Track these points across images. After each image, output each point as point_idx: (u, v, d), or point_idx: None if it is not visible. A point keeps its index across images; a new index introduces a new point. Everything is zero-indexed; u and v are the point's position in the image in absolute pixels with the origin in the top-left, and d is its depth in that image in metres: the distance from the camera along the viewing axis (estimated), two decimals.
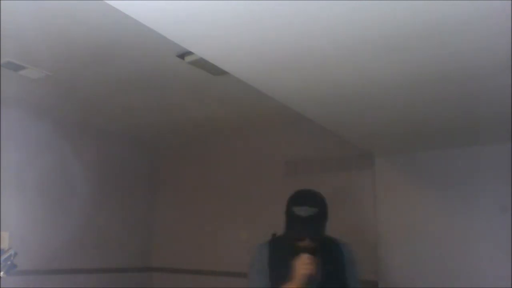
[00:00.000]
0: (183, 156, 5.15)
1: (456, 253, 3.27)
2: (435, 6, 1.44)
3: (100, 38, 2.61)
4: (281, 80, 2.17)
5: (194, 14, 1.51)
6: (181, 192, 4.99)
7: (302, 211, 2.08)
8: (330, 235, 2.31)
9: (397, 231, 3.56)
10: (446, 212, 3.38)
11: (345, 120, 2.84)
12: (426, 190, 3.51)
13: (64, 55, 2.86)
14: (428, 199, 3.48)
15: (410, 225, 3.51)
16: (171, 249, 4.90)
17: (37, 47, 2.75)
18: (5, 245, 3.49)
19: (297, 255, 2.06)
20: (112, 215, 4.61)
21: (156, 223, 5.10)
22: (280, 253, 2.22)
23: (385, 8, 1.46)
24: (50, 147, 4.14)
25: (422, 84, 2.15)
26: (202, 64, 2.86)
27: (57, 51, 2.81)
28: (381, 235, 3.63)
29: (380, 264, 3.60)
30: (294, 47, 1.78)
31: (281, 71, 2.04)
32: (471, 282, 3.12)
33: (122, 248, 4.68)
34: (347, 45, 1.76)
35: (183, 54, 2.79)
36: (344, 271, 2.18)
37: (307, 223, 2.07)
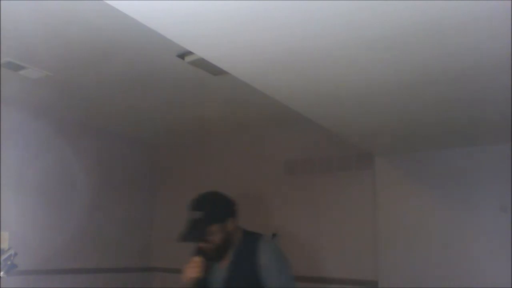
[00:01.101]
0: (183, 156, 5.15)
1: (456, 253, 3.27)
2: (435, 6, 1.44)
3: (100, 38, 2.61)
4: (281, 80, 2.17)
5: (194, 14, 1.51)
6: (180, 192, 4.99)
7: (190, 215, 2.14)
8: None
9: (397, 231, 3.56)
10: (446, 212, 3.38)
11: (345, 120, 2.84)
12: (426, 190, 3.51)
13: (64, 55, 2.86)
14: (428, 199, 3.48)
15: (410, 225, 3.51)
16: (171, 249, 4.90)
17: (37, 47, 2.75)
18: (5, 245, 3.48)
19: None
20: (112, 215, 4.61)
21: (156, 223, 5.10)
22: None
23: (385, 8, 1.46)
24: (50, 147, 4.14)
25: (422, 84, 2.15)
26: (202, 64, 2.86)
27: (57, 51, 2.81)
28: (381, 235, 3.63)
29: (380, 264, 3.60)
30: (294, 47, 1.78)
31: (281, 71, 2.04)
32: (471, 282, 3.12)
33: (122, 248, 4.68)
34: (347, 45, 1.76)
35: (183, 54, 2.79)
36: (257, 271, 2.07)
37: (191, 226, 2.10)
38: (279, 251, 2.15)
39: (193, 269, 2.05)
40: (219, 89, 3.39)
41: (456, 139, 3.19)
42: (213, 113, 4.04)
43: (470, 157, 3.32)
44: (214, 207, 2.16)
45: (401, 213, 3.57)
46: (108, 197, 4.62)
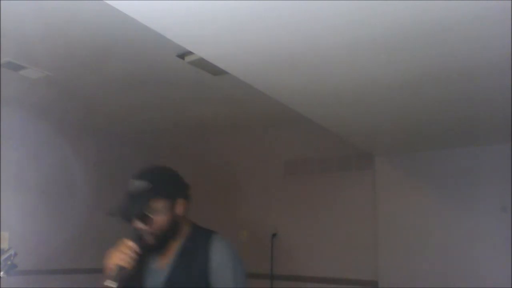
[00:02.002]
0: (183, 156, 5.14)
1: (456, 253, 3.27)
2: (435, 6, 1.44)
3: (100, 38, 2.60)
4: (281, 80, 2.17)
5: (194, 14, 1.51)
6: None
7: (131, 185, 1.65)
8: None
9: (397, 231, 3.56)
10: (446, 212, 3.38)
11: (345, 120, 2.83)
12: (426, 190, 3.51)
13: (64, 55, 2.86)
14: (428, 199, 3.48)
15: (410, 225, 3.51)
16: None
17: (37, 47, 2.75)
18: (5, 245, 3.48)
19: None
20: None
21: None
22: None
23: (385, 8, 1.46)
24: (50, 147, 4.14)
25: (422, 84, 2.15)
26: (202, 64, 2.86)
27: (57, 51, 2.80)
28: (381, 235, 3.63)
29: (380, 264, 3.60)
30: (294, 47, 1.78)
31: (281, 71, 2.04)
32: (471, 282, 3.12)
33: None
34: (347, 45, 1.76)
35: (183, 54, 2.79)
36: (207, 273, 1.60)
37: (129, 200, 1.63)
38: (234, 251, 1.71)
39: (121, 255, 1.52)
40: (219, 89, 3.39)
41: (456, 139, 3.19)
42: (213, 113, 4.04)
43: (470, 157, 3.32)
44: (163, 180, 1.69)
45: (401, 213, 3.57)
46: (108, 197, 4.60)
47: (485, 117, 2.65)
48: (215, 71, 2.94)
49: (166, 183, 1.70)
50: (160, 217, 1.61)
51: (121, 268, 1.49)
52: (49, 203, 4.10)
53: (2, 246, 3.42)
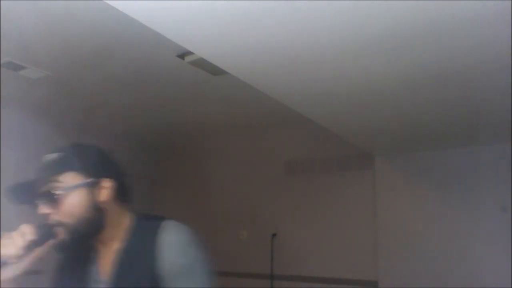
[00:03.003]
0: (183, 156, 5.14)
1: (456, 253, 3.27)
2: (435, 6, 1.44)
3: (100, 38, 2.60)
4: (281, 80, 2.16)
5: (194, 14, 1.51)
6: (181, 192, 4.99)
7: (42, 159, 1.33)
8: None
9: (397, 231, 3.56)
10: (446, 212, 3.38)
11: (345, 120, 2.83)
12: (426, 190, 3.51)
13: (64, 55, 2.86)
14: (428, 199, 3.48)
15: (410, 225, 3.51)
16: None
17: (37, 47, 2.75)
18: None
19: None
20: None
21: None
22: None
23: (385, 8, 1.46)
24: (50, 147, 4.14)
25: (422, 84, 2.15)
26: (202, 64, 2.86)
27: (57, 51, 2.80)
28: (381, 235, 3.63)
29: (380, 264, 3.60)
30: (294, 47, 1.78)
31: (281, 71, 2.04)
32: (471, 282, 3.12)
33: None
34: (347, 45, 1.76)
35: (183, 54, 2.79)
36: (157, 271, 1.19)
37: (36, 174, 1.30)
38: (189, 241, 1.27)
39: (11, 241, 1.16)
40: (219, 89, 3.39)
41: (456, 139, 3.19)
42: (213, 113, 4.04)
43: (470, 157, 3.32)
44: (82, 153, 1.30)
45: (401, 213, 3.57)
46: None
47: (485, 117, 2.65)
48: (215, 71, 2.94)
49: (85, 156, 1.29)
50: (72, 199, 1.18)
51: (9, 259, 1.11)
52: None
53: None
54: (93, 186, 1.22)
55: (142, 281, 1.19)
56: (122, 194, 1.30)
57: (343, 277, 3.81)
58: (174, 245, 1.23)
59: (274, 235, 4.25)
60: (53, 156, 1.28)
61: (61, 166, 1.23)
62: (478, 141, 3.22)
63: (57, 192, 1.17)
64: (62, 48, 2.76)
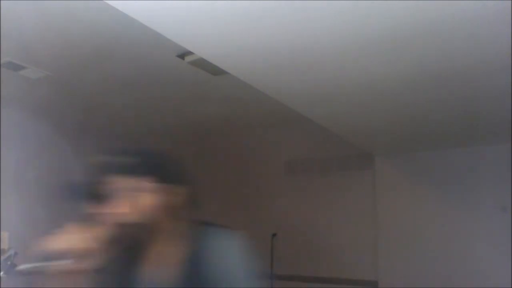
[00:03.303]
0: (183, 156, 5.14)
1: (456, 253, 3.27)
2: (435, 6, 1.44)
3: (100, 38, 2.60)
4: (281, 80, 2.16)
5: (194, 14, 1.51)
6: None
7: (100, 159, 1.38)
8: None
9: (397, 231, 3.56)
10: (446, 212, 3.38)
11: (345, 120, 2.83)
12: (426, 190, 3.51)
13: (64, 55, 2.86)
14: (428, 199, 3.48)
15: (410, 225, 3.51)
16: None
17: (37, 47, 2.75)
18: (5, 245, 3.48)
19: None
20: None
21: None
22: None
23: (385, 8, 1.46)
24: (50, 147, 4.14)
25: (422, 84, 2.15)
26: (202, 64, 2.86)
27: (57, 51, 2.80)
28: (381, 235, 3.63)
29: (380, 264, 3.60)
30: (294, 47, 1.78)
31: (281, 71, 2.04)
32: (471, 282, 3.12)
33: None
34: (347, 45, 1.76)
35: (183, 54, 2.79)
36: (220, 275, 1.25)
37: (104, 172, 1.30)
38: (246, 247, 1.37)
39: (89, 236, 1.19)
40: (219, 89, 3.39)
41: (456, 139, 3.19)
42: (213, 113, 4.04)
43: (470, 157, 3.32)
44: (150, 156, 1.35)
45: (401, 213, 3.57)
46: None
47: (485, 117, 2.65)
48: (215, 71, 2.94)
49: (162, 163, 1.34)
50: (148, 201, 1.21)
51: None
52: (49, 203, 4.09)
53: (2, 246, 3.42)
54: (167, 192, 1.26)
55: (205, 283, 1.23)
56: (190, 201, 1.33)
57: (343, 277, 3.81)
58: (235, 251, 1.32)
59: (274, 235, 4.25)
60: (132, 160, 1.28)
61: (140, 170, 1.25)
62: (478, 141, 3.22)
63: (134, 194, 1.20)
64: (62, 48, 2.76)
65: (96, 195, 1.24)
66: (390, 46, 1.76)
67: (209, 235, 1.33)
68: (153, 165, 1.30)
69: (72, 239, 1.19)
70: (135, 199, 1.19)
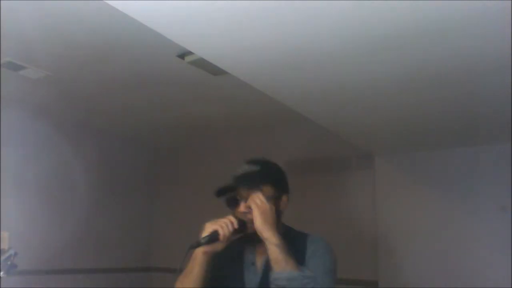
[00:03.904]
0: (183, 156, 5.14)
1: (456, 253, 3.27)
2: (435, 6, 1.44)
3: (100, 38, 2.61)
4: (281, 80, 2.17)
5: (194, 14, 1.51)
6: (181, 192, 4.99)
7: (241, 169, 1.72)
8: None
9: (397, 231, 3.56)
10: (446, 212, 3.38)
11: (345, 120, 2.83)
12: (426, 190, 3.51)
13: (64, 55, 2.86)
14: (428, 199, 3.48)
15: (410, 225, 3.50)
16: (171, 249, 4.90)
17: (37, 47, 2.75)
18: (5, 245, 3.48)
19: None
20: (112, 215, 4.61)
21: (156, 223, 5.10)
22: None
23: (385, 8, 1.46)
24: (50, 147, 4.14)
25: (422, 84, 2.15)
26: (202, 64, 2.86)
27: (57, 51, 2.81)
28: (381, 235, 3.63)
29: (380, 264, 3.60)
30: (294, 47, 1.78)
31: (281, 71, 2.04)
32: (471, 282, 3.12)
33: (122, 248, 4.67)
34: (347, 45, 1.76)
35: (183, 54, 2.79)
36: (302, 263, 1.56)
37: (239, 181, 1.65)
38: (331, 251, 1.67)
39: (220, 223, 1.51)
40: (219, 89, 3.39)
41: (456, 139, 3.19)
42: (213, 113, 4.04)
43: (470, 157, 3.32)
44: (273, 168, 1.76)
45: (401, 213, 3.57)
46: (108, 197, 4.61)
47: (485, 117, 2.65)
48: (215, 71, 2.94)
49: (276, 172, 1.76)
50: (261, 204, 1.55)
51: (214, 232, 1.49)
52: (49, 203, 4.10)
53: (2, 246, 3.41)
54: (279, 198, 1.68)
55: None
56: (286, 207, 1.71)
57: (343, 277, 3.78)
58: (318, 250, 1.63)
59: None
60: (253, 168, 1.69)
61: (260, 178, 1.62)
62: (478, 141, 3.22)
63: (260, 198, 1.55)
64: (62, 48, 2.76)
65: (233, 198, 1.63)
66: (390, 46, 1.76)
67: (293, 235, 1.72)
68: (271, 173, 1.70)
69: (217, 226, 1.50)
70: (259, 203, 1.53)
